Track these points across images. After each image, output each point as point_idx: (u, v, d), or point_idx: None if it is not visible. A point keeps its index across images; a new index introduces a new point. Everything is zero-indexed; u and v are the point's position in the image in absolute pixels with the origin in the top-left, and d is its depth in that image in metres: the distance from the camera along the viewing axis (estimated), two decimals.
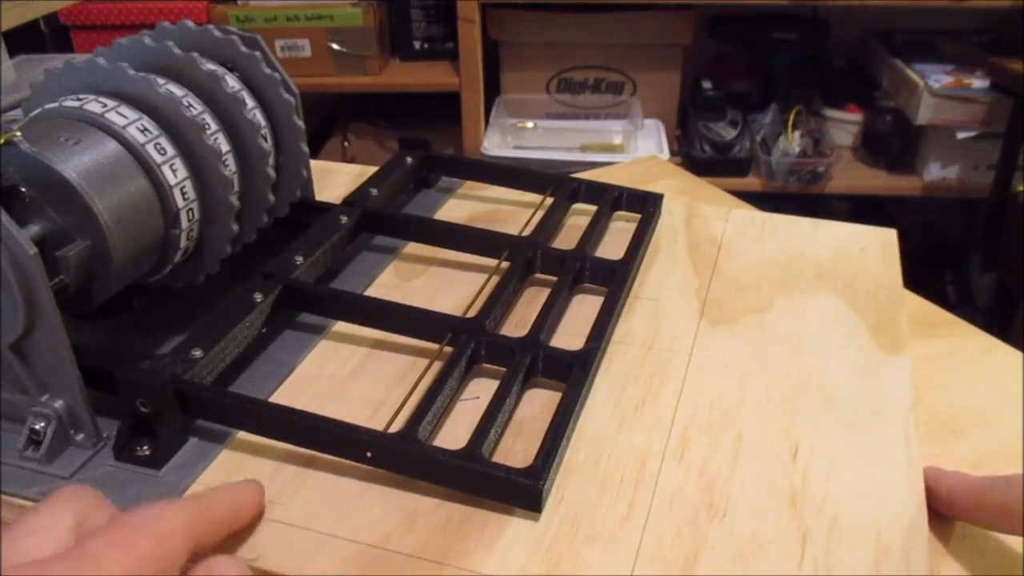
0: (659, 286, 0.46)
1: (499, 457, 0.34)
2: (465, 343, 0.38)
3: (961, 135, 1.47)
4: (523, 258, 0.44)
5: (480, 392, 0.38)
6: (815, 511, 0.32)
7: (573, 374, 0.37)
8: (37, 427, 0.34)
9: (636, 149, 1.46)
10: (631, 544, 0.31)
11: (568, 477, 0.34)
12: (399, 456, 0.32)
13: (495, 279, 0.43)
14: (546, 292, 0.43)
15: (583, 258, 0.45)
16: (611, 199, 0.51)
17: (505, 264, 0.45)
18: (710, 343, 0.41)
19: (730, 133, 1.53)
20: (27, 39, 0.88)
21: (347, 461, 0.34)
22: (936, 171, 1.53)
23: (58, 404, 0.34)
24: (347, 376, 0.39)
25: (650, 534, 0.31)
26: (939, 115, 1.43)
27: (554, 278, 0.44)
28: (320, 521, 0.32)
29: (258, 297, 0.39)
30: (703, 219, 0.52)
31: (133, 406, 0.34)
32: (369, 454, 0.33)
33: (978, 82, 1.42)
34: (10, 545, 0.26)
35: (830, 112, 1.61)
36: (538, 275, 0.46)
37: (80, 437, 0.35)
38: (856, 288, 0.45)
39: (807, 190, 1.52)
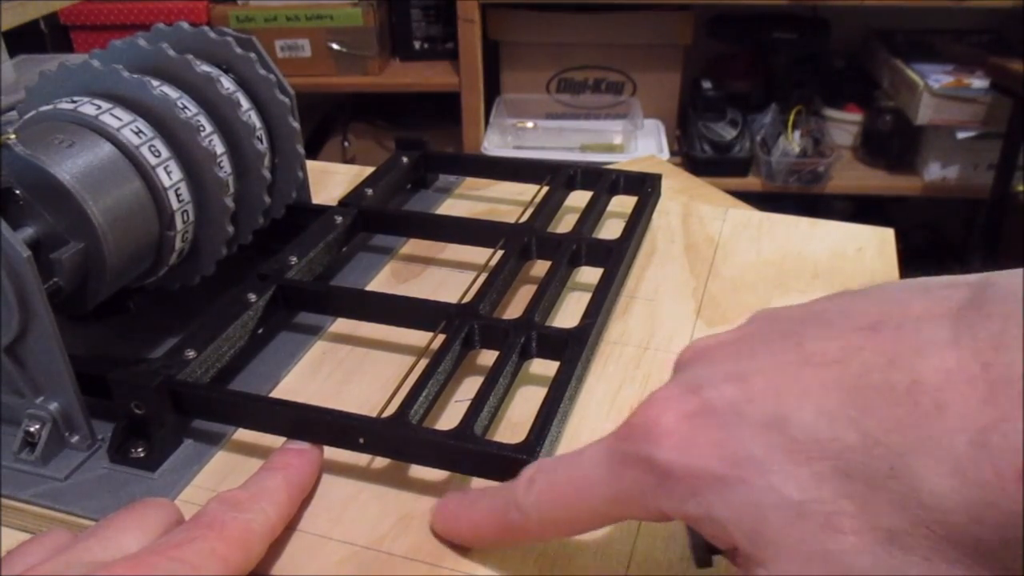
0: (655, 286, 0.46)
1: None
2: (458, 328, 0.37)
3: (961, 135, 1.47)
4: (519, 243, 0.44)
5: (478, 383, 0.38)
6: None
7: (568, 350, 0.36)
8: (32, 429, 0.34)
9: (636, 149, 1.46)
10: (625, 546, 0.31)
11: None
12: (391, 440, 0.32)
13: (491, 269, 0.43)
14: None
15: (579, 240, 0.44)
16: (608, 183, 0.51)
17: (501, 253, 0.44)
18: None
19: (730, 133, 1.53)
20: (27, 39, 0.89)
21: (341, 463, 0.34)
22: (936, 171, 1.53)
23: (53, 406, 0.34)
24: (344, 377, 0.39)
25: (644, 536, 0.31)
26: (939, 115, 1.44)
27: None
28: (314, 523, 0.32)
29: (252, 297, 0.39)
30: (700, 219, 0.52)
31: (127, 408, 0.34)
32: (362, 440, 0.32)
33: (978, 82, 1.42)
34: (87, 548, 0.27)
35: (830, 112, 1.61)
36: (537, 262, 0.46)
37: (75, 439, 0.35)
38: (853, 288, 0.45)
39: (807, 190, 1.52)
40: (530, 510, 0.27)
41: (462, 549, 0.31)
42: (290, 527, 0.31)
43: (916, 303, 0.22)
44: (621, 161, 0.94)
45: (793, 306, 0.26)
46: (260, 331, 0.40)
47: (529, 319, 0.38)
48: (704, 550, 0.25)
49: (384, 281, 0.47)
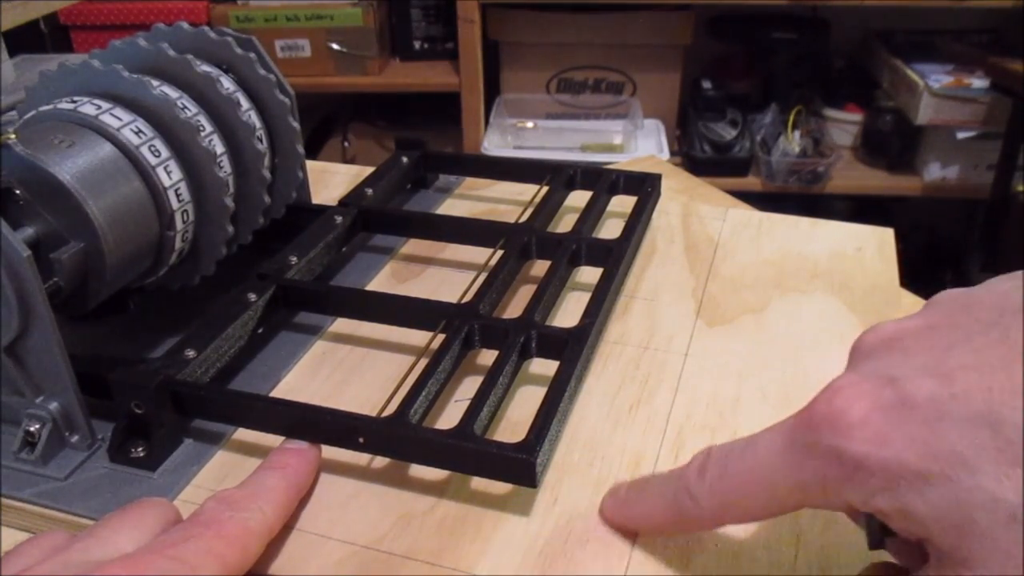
0: (655, 286, 0.46)
1: None
2: (458, 328, 0.37)
3: (961, 135, 1.47)
4: (518, 243, 0.44)
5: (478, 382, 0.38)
6: (809, 511, 0.32)
7: (568, 350, 0.36)
8: (32, 429, 0.34)
9: (636, 149, 1.46)
10: (624, 545, 0.31)
11: (562, 478, 0.34)
12: (391, 439, 0.32)
13: (491, 269, 0.43)
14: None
15: (579, 239, 0.44)
16: (608, 183, 0.51)
17: (501, 253, 0.44)
18: (706, 343, 0.41)
19: (730, 133, 1.53)
20: (27, 39, 0.89)
21: (340, 462, 0.34)
22: (936, 171, 1.53)
23: (53, 406, 0.34)
24: (344, 377, 0.39)
25: (644, 535, 0.31)
26: (939, 115, 1.44)
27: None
28: (314, 523, 0.32)
29: (252, 297, 0.39)
30: (700, 219, 0.52)
31: (127, 408, 0.34)
32: (361, 440, 0.32)
33: (978, 82, 1.42)
34: (84, 548, 0.27)
35: (830, 112, 1.61)
36: (537, 262, 0.46)
37: (75, 439, 0.35)
38: (853, 288, 0.45)
39: (807, 190, 1.52)
40: (703, 498, 0.27)
41: (461, 549, 0.31)
42: (289, 526, 0.31)
43: None
44: (621, 161, 0.94)
45: (978, 290, 0.24)
46: (260, 331, 0.40)
47: (529, 319, 0.38)
48: (879, 533, 0.24)
49: (384, 281, 0.47)
